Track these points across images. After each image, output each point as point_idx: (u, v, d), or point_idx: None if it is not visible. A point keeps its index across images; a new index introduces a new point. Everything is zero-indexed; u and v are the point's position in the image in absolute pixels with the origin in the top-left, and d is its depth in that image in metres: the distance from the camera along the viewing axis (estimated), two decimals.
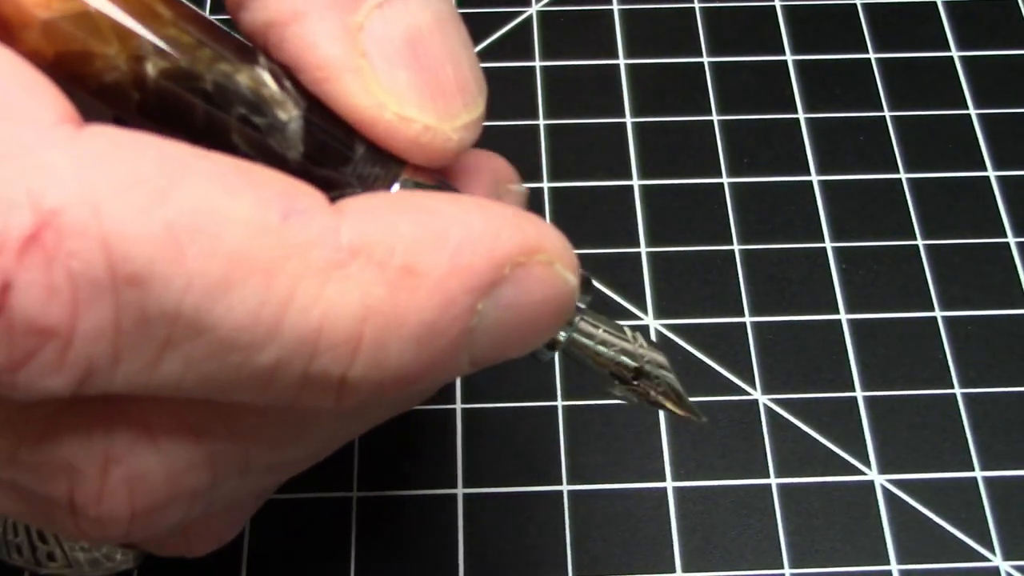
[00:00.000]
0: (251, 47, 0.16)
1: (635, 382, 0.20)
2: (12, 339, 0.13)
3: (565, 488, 0.28)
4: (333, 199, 0.16)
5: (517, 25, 0.36)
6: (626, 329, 0.20)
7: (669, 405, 0.20)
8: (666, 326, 0.30)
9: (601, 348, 0.19)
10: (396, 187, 0.17)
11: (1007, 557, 0.27)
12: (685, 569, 0.27)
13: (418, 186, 0.17)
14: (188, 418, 0.16)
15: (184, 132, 0.16)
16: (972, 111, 0.34)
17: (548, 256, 0.16)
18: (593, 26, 0.36)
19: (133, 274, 0.13)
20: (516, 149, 0.33)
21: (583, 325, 0.19)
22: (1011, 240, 0.32)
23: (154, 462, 0.16)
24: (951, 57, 0.35)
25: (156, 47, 0.15)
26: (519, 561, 0.27)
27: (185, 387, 0.14)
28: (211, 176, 0.14)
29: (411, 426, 0.28)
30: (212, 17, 0.17)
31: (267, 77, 0.16)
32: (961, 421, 0.29)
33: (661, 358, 0.20)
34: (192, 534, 0.20)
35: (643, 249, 0.31)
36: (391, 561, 0.27)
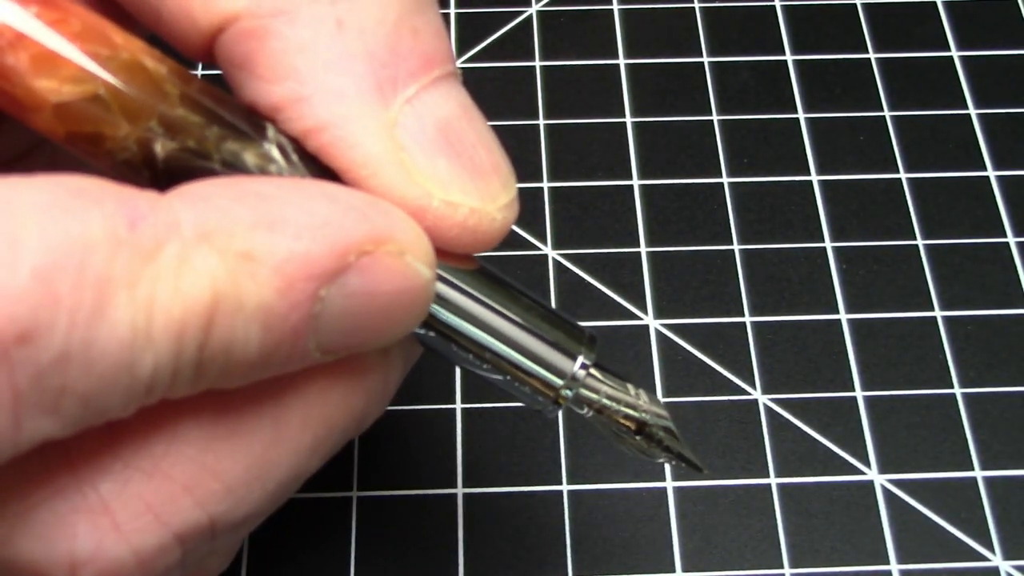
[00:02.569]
0: (259, 119, 0.17)
1: (637, 437, 0.20)
2: None
3: (565, 488, 0.28)
4: None
5: (517, 25, 0.36)
6: (629, 386, 0.20)
7: (672, 459, 0.21)
8: (666, 326, 0.30)
9: (606, 402, 0.20)
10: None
11: (1007, 557, 0.27)
12: (685, 569, 0.27)
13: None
14: (150, 499, 0.16)
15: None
16: (972, 111, 0.34)
17: (398, 247, 0.16)
18: (593, 26, 0.36)
19: (21, 332, 0.13)
20: (516, 149, 0.33)
21: (589, 381, 0.19)
22: (1011, 240, 0.32)
23: (124, 554, 0.16)
24: (951, 57, 0.35)
25: (165, 129, 0.16)
26: (519, 561, 0.27)
27: (83, 424, 0.14)
28: (50, 207, 0.14)
29: (411, 426, 0.28)
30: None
31: (275, 152, 0.17)
32: (961, 421, 0.29)
33: (663, 412, 0.21)
34: None
35: (643, 249, 0.31)
36: (391, 561, 0.27)
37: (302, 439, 0.17)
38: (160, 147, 0.16)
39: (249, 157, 0.16)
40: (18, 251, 0.13)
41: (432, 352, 0.19)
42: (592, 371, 0.19)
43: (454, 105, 0.17)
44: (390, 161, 0.16)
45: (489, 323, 0.18)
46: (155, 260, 0.14)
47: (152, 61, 0.16)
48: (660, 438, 0.20)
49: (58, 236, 0.13)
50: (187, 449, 0.16)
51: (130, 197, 0.14)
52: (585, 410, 0.20)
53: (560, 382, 0.19)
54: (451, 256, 0.18)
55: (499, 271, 0.19)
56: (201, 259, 0.14)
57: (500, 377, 0.19)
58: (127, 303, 0.14)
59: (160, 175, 0.16)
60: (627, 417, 0.20)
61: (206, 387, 0.15)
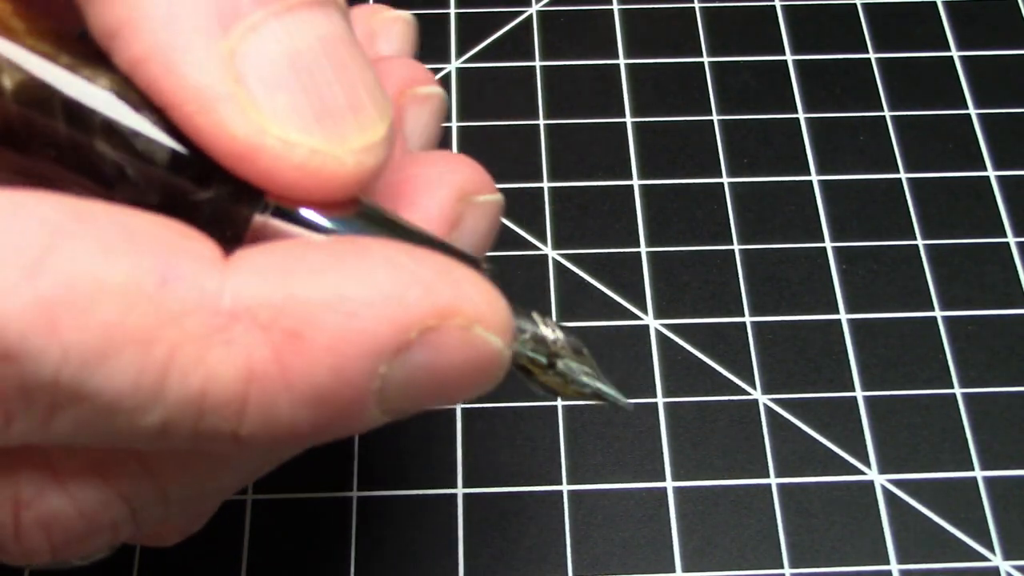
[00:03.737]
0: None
1: (549, 371, 0.18)
2: None
3: (565, 488, 0.28)
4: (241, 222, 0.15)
5: (517, 25, 0.36)
6: (535, 315, 0.18)
7: (589, 392, 0.19)
8: (666, 326, 0.30)
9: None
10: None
11: (1007, 557, 0.27)
12: (685, 569, 0.27)
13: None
14: (96, 458, 0.16)
15: (47, 143, 0.15)
16: (972, 111, 0.34)
17: (465, 319, 0.15)
18: (593, 26, 0.36)
19: (5, 351, 0.13)
20: (516, 149, 0.33)
21: None
22: (1011, 240, 0.32)
23: (64, 503, 0.16)
24: (951, 57, 0.35)
25: (10, 60, 0.15)
26: (519, 561, 0.27)
27: (81, 440, 0.14)
28: (90, 241, 0.13)
29: (411, 426, 0.28)
30: None
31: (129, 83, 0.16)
32: (961, 421, 0.29)
33: (577, 342, 0.19)
34: (154, 532, 0.20)
35: (643, 249, 0.31)
36: (391, 561, 0.27)
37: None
38: (7, 79, 0.15)
39: (103, 81, 0.15)
40: (35, 274, 0.13)
41: None
42: None
43: (312, 36, 0.15)
44: (221, 95, 0.15)
45: None
46: (179, 324, 0.13)
47: None
48: (575, 368, 0.18)
49: (78, 272, 0.13)
50: None
51: (179, 249, 0.14)
52: None
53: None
54: (322, 204, 0.16)
55: (386, 210, 0.17)
56: (240, 333, 0.14)
57: None
58: (135, 358, 0.13)
59: (9, 111, 0.15)
60: (535, 350, 0.18)
61: (256, 451, 0.15)
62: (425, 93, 0.21)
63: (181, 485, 0.16)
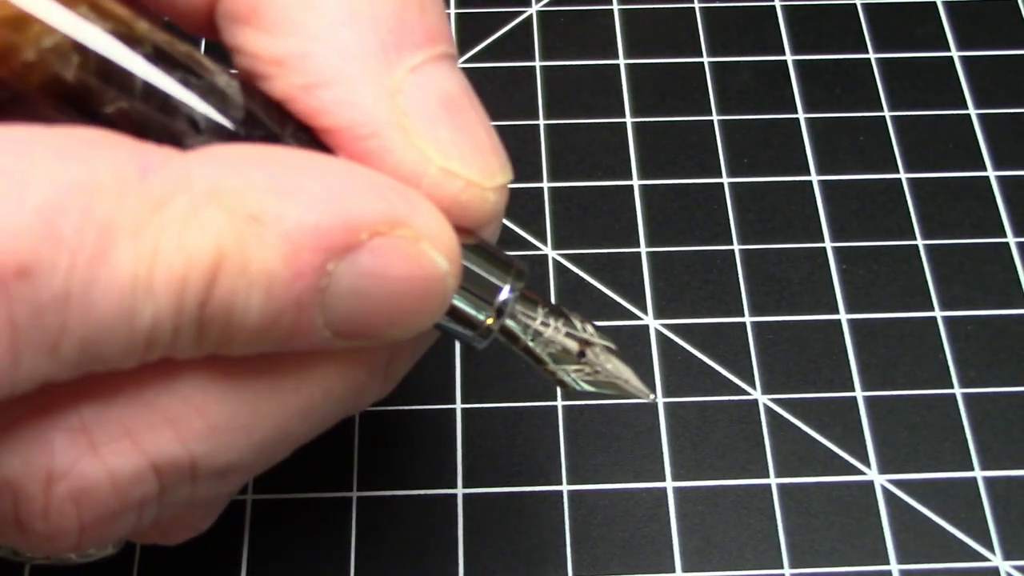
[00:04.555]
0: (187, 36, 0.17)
1: (581, 361, 0.20)
2: None
3: (565, 488, 0.28)
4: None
5: (517, 25, 0.36)
6: (563, 310, 0.20)
7: (615, 383, 0.20)
8: (666, 326, 0.30)
9: (538, 334, 0.19)
10: None
11: (1007, 557, 0.27)
12: (685, 569, 0.27)
13: None
14: (130, 425, 0.16)
15: (125, 92, 0.16)
16: (972, 111, 0.34)
17: (413, 233, 0.16)
18: (593, 26, 0.36)
19: (20, 266, 0.13)
20: (516, 149, 0.33)
21: (519, 309, 0.19)
22: (1011, 240, 0.32)
23: (99, 474, 0.16)
24: (951, 57, 0.35)
25: (96, 14, 0.16)
26: (519, 561, 0.27)
27: (81, 369, 0.14)
28: (63, 151, 0.14)
29: (411, 426, 0.28)
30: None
31: (200, 53, 0.17)
32: (961, 421, 0.29)
33: (605, 336, 0.20)
34: (166, 526, 0.20)
35: (643, 249, 0.31)
36: (391, 561, 0.27)
37: (295, 398, 0.17)
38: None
39: (180, 47, 0.16)
40: (25, 189, 0.13)
41: None
42: (521, 300, 0.19)
43: (456, 83, 0.17)
44: (391, 123, 0.16)
45: None
46: (162, 211, 0.14)
47: None
48: (603, 360, 0.20)
49: (66, 178, 0.14)
50: (174, 383, 0.16)
51: (144, 149, 0.14)
52: (520, 341, 0.19)
53: (480, 316, 0.18)
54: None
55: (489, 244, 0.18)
56: (209, 216, 0.14)
57: None
58: (130, 250, 0.14)
59: (91, 60, 0.16)
60: (568, 337, 0.19)
61: (209, 351, 0.15)
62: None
63: (210, 453, 0.17)
